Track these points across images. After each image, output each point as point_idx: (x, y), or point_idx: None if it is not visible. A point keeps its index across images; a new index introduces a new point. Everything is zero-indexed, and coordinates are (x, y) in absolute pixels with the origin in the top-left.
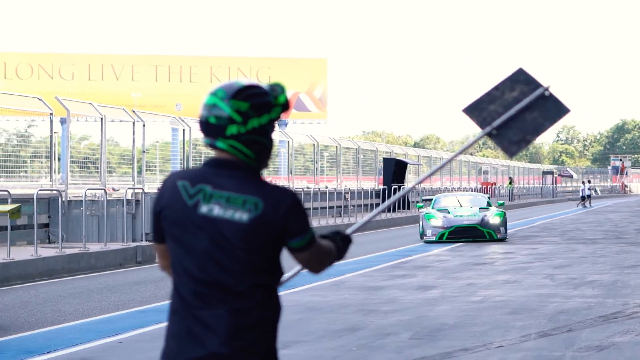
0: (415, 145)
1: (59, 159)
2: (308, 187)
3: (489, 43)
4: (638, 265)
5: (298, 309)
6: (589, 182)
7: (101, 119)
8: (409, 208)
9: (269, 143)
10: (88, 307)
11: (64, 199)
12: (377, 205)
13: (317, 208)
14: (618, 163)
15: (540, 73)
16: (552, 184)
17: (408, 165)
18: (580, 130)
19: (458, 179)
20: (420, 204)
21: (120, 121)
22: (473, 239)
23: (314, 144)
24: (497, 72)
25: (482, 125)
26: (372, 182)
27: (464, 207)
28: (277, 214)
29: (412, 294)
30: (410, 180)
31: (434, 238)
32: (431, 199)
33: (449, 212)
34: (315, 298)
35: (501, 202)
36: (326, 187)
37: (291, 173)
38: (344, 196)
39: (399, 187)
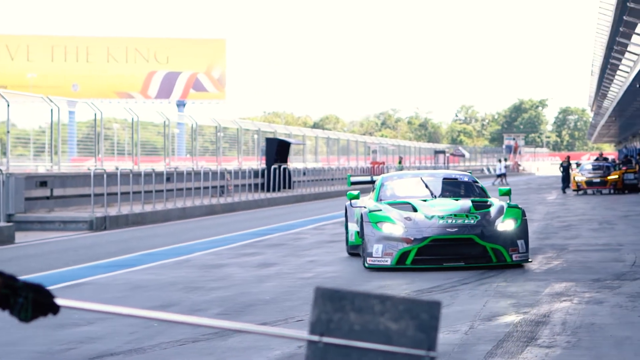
0: (315, 125)
1: None
2: (187, 167)
3: (387, 22)
4: None
5: (124, 288)
6: (505, 160)
7: None
8: (290, 187)
9: None
10: None
11: None
12: (256, 185)
13: (190, 188)
14: (511, 142)
15: (440, 55)
16: (444, 163)
17: (291, 145)
18: (479, 109)
19: (346, 159)
20: (354, 193)
21: None
22: (466, 264)
23: (192, 125)
24: (396, 50)
25: None
26: (256, 162)
27: (443, 200)
28: None
29: (249, 271)
30: (293, 160)
31: (388, 261)
32: (367, 182)
33: (414, 209)
34: (149, 277)
35: (505, 188)
36: (204, 167)
37: (169, 154)
38: (224, 176)
39: (279, 166)
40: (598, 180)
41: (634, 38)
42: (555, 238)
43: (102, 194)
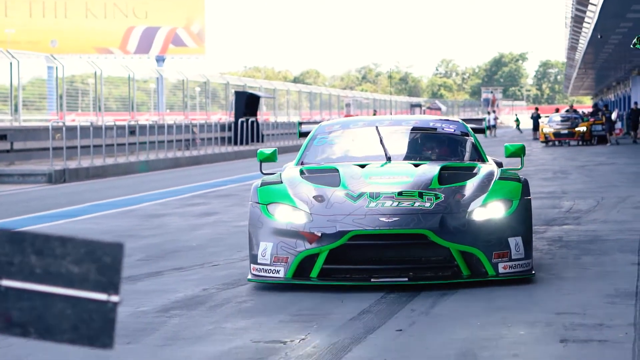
0: (295, 80)
1: None
2: (151, 120)
3: None
4: None
5: None
6: (494, 112)
7: None
8: (260, 141)
9: None
10: None
11: None
12: (224, 139)
13: (154, 142)
14: (489, 95)
15: (421, 8)
16: None
17: (260, 98)
18: (459, 63)
19: (327, 113)
20: (266, 152)
21: None
22: (411, 280)
23: (157, 78)
24: (377, 4)
25: None
26: (225, 116)
27: (396, 165)
28: None
29: (188, 220)
30: (274, 114)
31: (280, 272)
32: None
33: (340, 184)
34: (87, 226)
35: (514, 145)
36: (171, 121)
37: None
38: (191, 129)
39: (247, 120)
40: (566, 131)
41: None
42: None
43: (64, 148)
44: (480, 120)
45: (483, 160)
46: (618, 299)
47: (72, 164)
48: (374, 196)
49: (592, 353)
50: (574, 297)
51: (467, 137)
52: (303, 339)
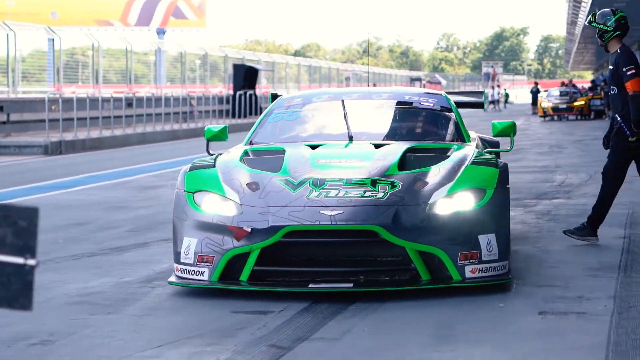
0: (296, 53)
1: None
2: (150, 93)
3: None
4: None
5: (46, 208)
6: (498, 87)
7: None
8: (259, 114)
9: None
10: None
11: None
12: (223, 111)
13: (151, 114)
14: (490, 70)
15: None
16: None
17: (259, 71)
18: (460, 37)
19: (319, 86)
20: (214, 129)
21: None
22: (357, 286)
23: (156, 50)
24: None
25: None
26: (225, 89)
27: (357, 146)
28: None
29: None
30: (276, 88)
31: (205, 274)
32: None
33: (280, 169)
34: (80, 197)
35: (503, 123)
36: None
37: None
38: (189, 102)
39: (245, 92)
40: (564, 106)
41: None
42: None
43: (60, 119)
44: (480, 93)
45: (463, 140)
46: (601, 272)
47: (69, 136)
48: (318, 184)
49: (570, 325)
50: (557, 270)
51: (448, 113)
52: (282, 311)
